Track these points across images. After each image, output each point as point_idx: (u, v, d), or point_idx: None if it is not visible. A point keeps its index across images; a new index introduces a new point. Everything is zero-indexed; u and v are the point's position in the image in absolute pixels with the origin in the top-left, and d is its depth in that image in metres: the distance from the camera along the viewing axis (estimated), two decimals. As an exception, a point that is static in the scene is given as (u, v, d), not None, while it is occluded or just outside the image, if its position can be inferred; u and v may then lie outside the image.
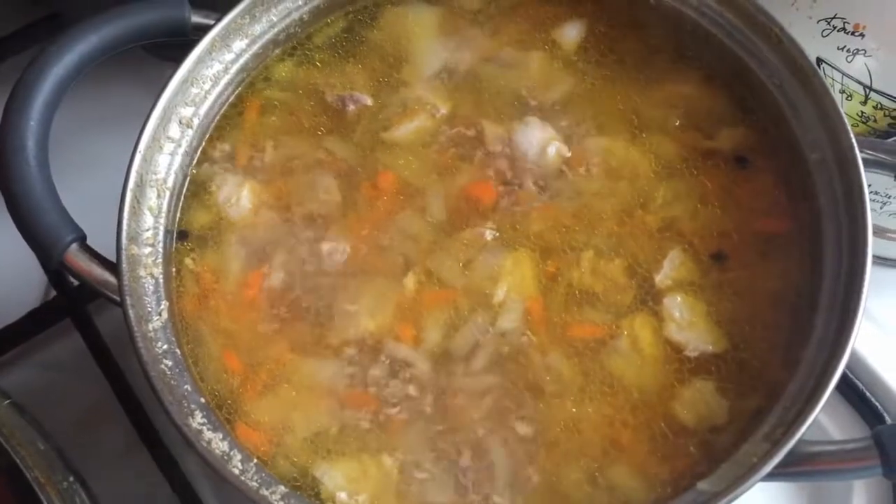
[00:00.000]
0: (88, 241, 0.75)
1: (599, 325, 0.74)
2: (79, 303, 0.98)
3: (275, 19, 0.84)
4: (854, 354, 0.91)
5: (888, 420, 0.88)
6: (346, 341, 0.74)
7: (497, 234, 0.77)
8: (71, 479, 0.69)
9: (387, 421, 0.72)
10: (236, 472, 0.67)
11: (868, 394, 0.90)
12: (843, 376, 0.89)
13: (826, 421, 0.89)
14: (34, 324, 0.97)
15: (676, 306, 0.75)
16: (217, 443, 0.68)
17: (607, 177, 0.79)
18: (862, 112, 0.87)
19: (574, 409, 0.71)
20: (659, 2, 0.83)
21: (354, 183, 0.80)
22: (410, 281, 0.76)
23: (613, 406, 0.71)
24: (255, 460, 0.68)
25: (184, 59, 0.79)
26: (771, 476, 0.64)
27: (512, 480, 0.69)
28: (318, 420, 0.72)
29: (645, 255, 0.76)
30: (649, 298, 0.75)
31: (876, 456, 0.63)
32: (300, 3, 0.85)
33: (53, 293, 1.00)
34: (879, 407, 0.90)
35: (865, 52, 0.83)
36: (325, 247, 0.77)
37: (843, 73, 0.86)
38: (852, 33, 0.84)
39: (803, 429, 0.64)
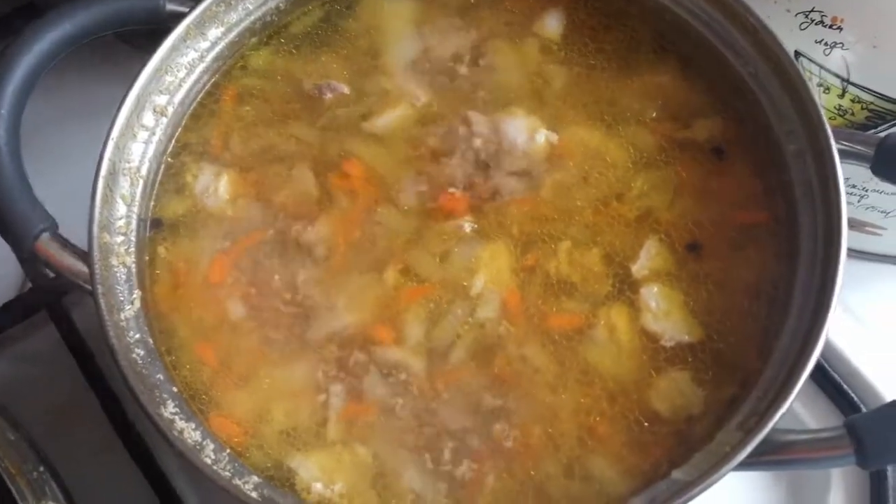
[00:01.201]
0: (62, 231, 0.74)
1: (577, 315, 0.74)
2: (54, 295, 0.97)
3: (251, 7, 0.83)
4: (832, 347, 0.92)
5: (864, 411, 0.89)
6: (323, 335, 0.74)
7: (475, 226, 0.77)
8: (42, 468, 0.68)
9: (362, 413, 0.71)
10: (209, 461, 0.66)
11: (845, 386, 0.91)
12: (822, 369, 0.91)
13: (804, 413, 0.89)
14: (9, 316, 0.97)
15: (653, 296, 0.74)
16: (189, 432, 0.67)
17: (585, 167, 0.79)
18: (839, 105, 0.87)
19: (551, 400, 0.71)
20: (637, -9, 0.83)
21: (332, 173, 0.79)
22: (389, 274, 0.75)
23: (590, 396, 0.71)
24: (228, 450, 0.68)
25: (158, 47, 0.78)
26: (745, 465, 0.64)
27: (489, 470, 0.69)
28: (292, 413, 0.72)
29: (622, 246, 0.76)
30: (626, 288, 0.75)
31: (849, 444, 0.64)
32: (277, -9, 0.84)
33: (29, 285, 0.99)
34: (857, 399, 0.90)
35: (843, 45, 0.83)
36: (303, 239, 0.77)
37: (821, 67, 0.86)
38: (830, 26, 0.84)
39: (776, 418, 0.64)
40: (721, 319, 0.73)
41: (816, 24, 0.84)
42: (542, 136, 0.80)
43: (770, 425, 0.63)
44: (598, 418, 0.70)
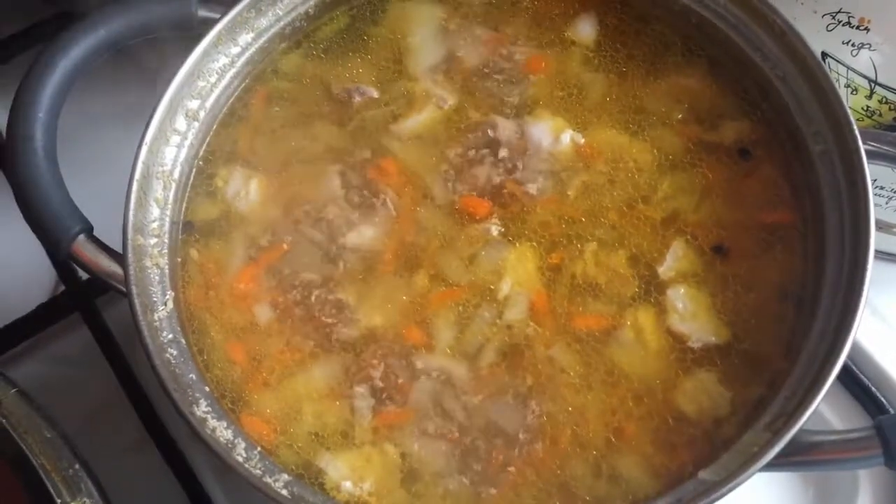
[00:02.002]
0: (96, 233, 0.76)
1: (603, 317, 0.74)
2: (87, 297, 0.98)
3: (280, 13, 0.85)
4: (859, 348, 0.91)
5: (891, 412, 0.88)
6: (352, 338, 0.74)
7: (502, 229, 0.77)
8: (77, 466, 0.69)
9: (390, 413, 0.72)
10: (240, 459, 0.67)
11: (872, 387, 0.90)
12: (848, 370, 0.90)
13: (830, 414, 0.89)
14: (43, 317, 0.98)
15: (679, 297, 0.75)
16: (221, 431, 0.68)
17: (611, 169, 0.80)
18: (867, 106, 0.87)
19: (578, 400, 0.71)
20: (664, -5, 0.84)
21: (361, 175, 0.80)
22: (419, 278, 0.76)
23: (617, 396, 0.71)
24: (259, 449, 0.69)
25: (190, 53, 0.80)
26: (772, 465, 0.64)
27: (518, 468, 0.70)
28: (321, 413, 0.72)
29: (648, 247, 0.77)
30: (652, 290, 0.75)
31: (878, 445, 0.63)
32: (306, -4, 0.86)
33: (62, 287, 1.00)
34: (884, 400, 0.90)
35: (870, 46, 0.83)
36: (332, 241, 0.78)
37: (848, 68, 0.86)
38: (857, 28, 0.84)
39: (804, 419, 0.64)
40: (748, 321, 0.73)
41: (843, 25, 0.84)
42: (568, 137, 0.80)
43: (798, 426, 0.63)
44: (625, 419, 0.71)
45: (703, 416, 0.70)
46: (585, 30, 0.86)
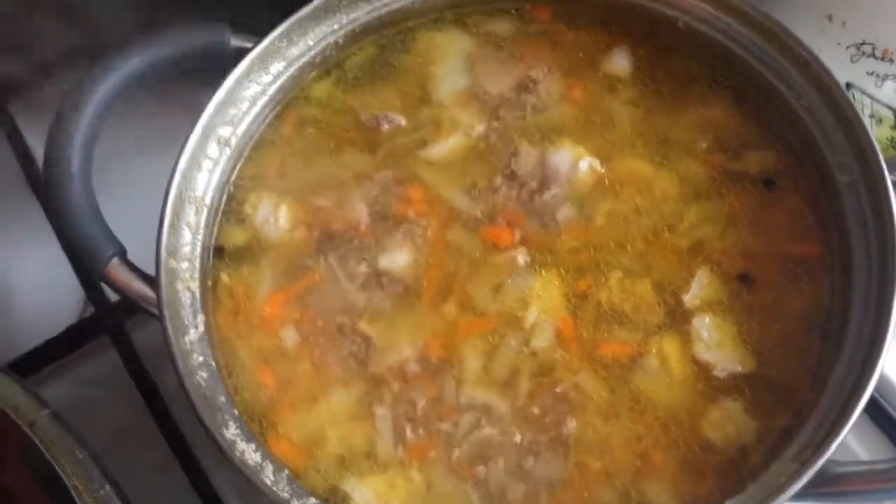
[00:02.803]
0: (129, 256, 0.77)
1: (629, 344, 0.74)
2: (116, 319, 0.99)
3: (311, 43, 0.86)
4: (884, 379, 0.91)
5: (918, 444, 0.88)
6: (381, 366, 0.75)
7: (528, 258, 0.78)
8: (108, 486, 0.70)
9: (416, 442, 0.72)
10: (268, 482, 0.68)
11: (896, 416, 0.90)
12: (873, 400, 0.89)
13: (855, 444, 0.89)
14: (72, 340, 0.99)
15: (705, 326, 0.75)
16: (250, 454, 0.69)
17: (636, 197, 0.80)
18: (892, 137, 0.87)
19: (605, 428, 0.72)
20: (688, 26, 0.85)
21: (390, 202, 0.81)
22: (446, 306, 0.77)
23: (643, 424, 0.72)
24: (287, 472, 0.69)
25: (223, 81, 0.81)
26: (799, 496, 0.64)
27: (544, 498, 0.70)
28: (347, 438, 0.73)
29: (673, 276, 0.77)
30: (678, 318, 0.75)
31: (906, 477, 0.63)
32: (335, 27, 0.87)
33: (91, 310, 1.02)
34: (908, 430, 0.89)
35: (895, 77, 0.83)
36: (362, 269, 0.79)
37: (873, 99, 0.86)
38: (881, 59, 0.84)
39: (832, 449, 0.64)
40: (774, 350, 0.74)
41: (868, 56, 0.85)
42: (586, 164, 0.81)
43: (826, 456, 0.63)
44: (652, 446, 0.71)
45: (730, 444, 0.70)
46: (620, 62, 0.87)
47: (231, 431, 0.70)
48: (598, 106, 0.85)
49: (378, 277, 0.78)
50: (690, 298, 0.76)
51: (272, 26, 0.84)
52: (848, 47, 0.86)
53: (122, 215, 0.81)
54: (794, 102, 0.80)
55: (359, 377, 0.75)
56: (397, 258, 0.79)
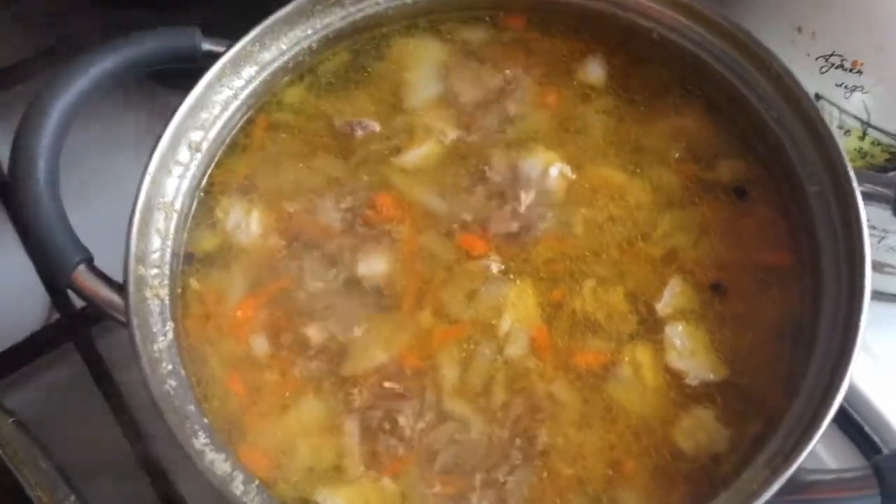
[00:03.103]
0: (96, 263, 0.76)
1: (603, 353, 0.74)
2: (81, 326, 0.98)
3: (284, 47, 0.85)
4: (852, 387, 0.92)
5: (884, 451, 0.89)
6: (354, 373, 0.74)
7: (501, 266, 0.78)
8: (72, 497, 0.69)
9: (391, 452, 0.72)
10: (238, 492, 0.67)
11: (865, 426, 0.91)
12: (841, 408, 0.90)
13: (824, 452, 0.89)
14: (37, 346, 0.98)
15: (677, 335, 0.75)
16: (220, 463, 0.68)
17: (609, 206, 0.80)
18: (860, 148, 0.88)
19: (579, 437, 0.71)
20: (661, 36, 0.85)
21: (363, 208, 0.81)
22: (419, 314, 0.76)
23: (616, 433, 0.72)
24: (257, 482, 0.68)
25: (195, 86, 0.80)
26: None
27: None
28: (319, 448, 0.72)
29: (646, 284, 0.77)
30: (651, 327, 0.76)
31: (874, 485, 0.64)
32: (309, 32, 0.86)
33: (56, 316, 1.00)
34: (876, 438, 0.90)
35: (863, 88, 0.84)
36: (334, 275, 0.78)
37: (841, 110, 0.87)
38: (850, 70, 0.85)
39: (802, 457, 0.64)
40: (745, 358, 0.74)
41: (837, 67, 0.86)
42: (556, 170, 0.81)
43: (796, 464, 0.64)
44: (624, 454, 0.71)
45: (702, 452, 0.71)
46: (594, 71, 0.87)
47: (200, 441, 0.69)
48: (572, 114, 0.85)
49: (350, 284, 0.78)
50: (663, 307, 0.76)
51: (244, 31, 0.83)
52: (817, 58, 0.87)
53: (89, 221, 0.79)
54: (764, 113, 0.81)
55: (331, 386, 0.74)
56: (370, 265, 0.78)
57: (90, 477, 0.83)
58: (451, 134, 0.84)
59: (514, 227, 0.79)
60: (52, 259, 0.74)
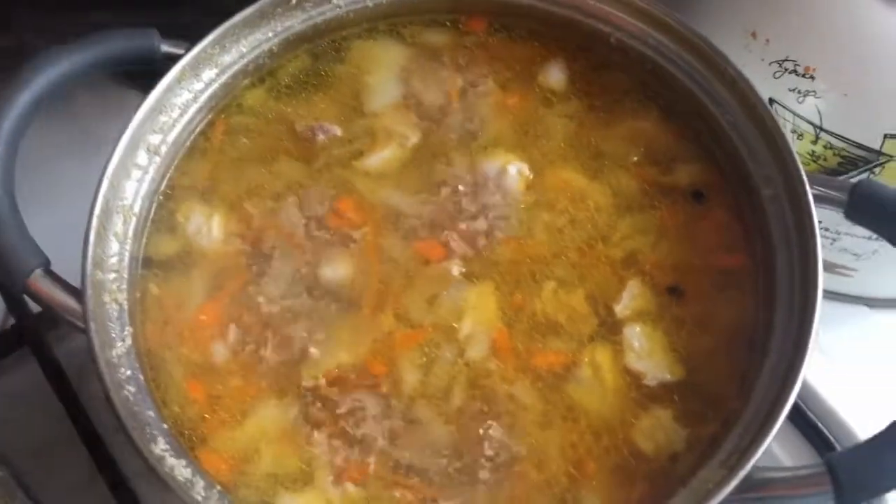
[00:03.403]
0: (53, 267, 0.74)
1: (563, 354, 0.75)
2: (37, 331, 0.96)
3: (244, 50, 0.85)
4: (806, 386, 0.94)
5: (838, 448, 0.91)
6: (314, 378, 0.74)
7: (463, 269, 0.78)
8: (30, 505, 0.68)
9: (354, 457, 0.72)
10: (199, 498, 0.66)
11: (819, 424, 0.92)
12: (796, 406, 0.92)
13: (779, 450, 0.91)
14: (-9, 351, 0.96)
15: (635, 336, 0.76)
16: (180, 469, 0.67)
17: (569, 209, 0.81)
18: (813, 151, 0.90)
19: (541, 437, 0.72)
20: (620, 41, 0.86)
21: (324, 212, 0.81)
22: (380, 317, 0.76)
23: (577, 433, 0.72)
24: (219, 487, 0.68)
25: (153, 88, 0.80)
26: (727, 502, 0.65)
27: (482, 507, 0.70)
28: (280, 453, 0.72)
29: (606, 286, 0.78)
30: (610, 328, 0.76)
31: (828, 482, 0.65)
32: (270, 35, 0.86)
33: (12, 321, 0.98)
34: (830, 436, 0.92)
35: (816, 93, 0.86)
36: (295, 280, 0.78)
37: (795, 114, 0.89)
38: (803, 75, 0.87)
39: (757, 455, 0.65)
40: (702, 359, 0.75)
41: (790, 72, 0.87)
42: (515, 170, 0.82)
43: (751, 462, 0.65)
44: (585, 455, 0.71)
45: (660, 452, 0.72)
46: (555, 75, 0.87)
47: (160, 447, 0.68)
48: (533, 118, 0.85)
49: (312, 289, 0.77)
50: (622, 309, 0.77)
51: (204, 33, 0.82)
52: (771, 63, 0.88)
53: (46, 224, 0.78)
54: (720, 118, 0.82)
55: (292, 391, 0.74)
56: (332, 269, 0.78)
57: (48, 484, 0.82)
58: (413, 137, 0.84)
59: (476, 230, 0.80)
60: (6, 264, 0.73)
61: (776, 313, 0.74)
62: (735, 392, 0.73)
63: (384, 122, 0.85)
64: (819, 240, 0.74)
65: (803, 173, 0.76)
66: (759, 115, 0.80)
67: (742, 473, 0.65)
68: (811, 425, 0.93)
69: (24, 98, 0.76)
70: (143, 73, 0.81)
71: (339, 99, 0.87)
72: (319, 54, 0.89)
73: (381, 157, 0.83)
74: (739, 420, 0.70)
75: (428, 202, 0.81)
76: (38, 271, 0.73)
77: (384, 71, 0.88)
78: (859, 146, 0.87)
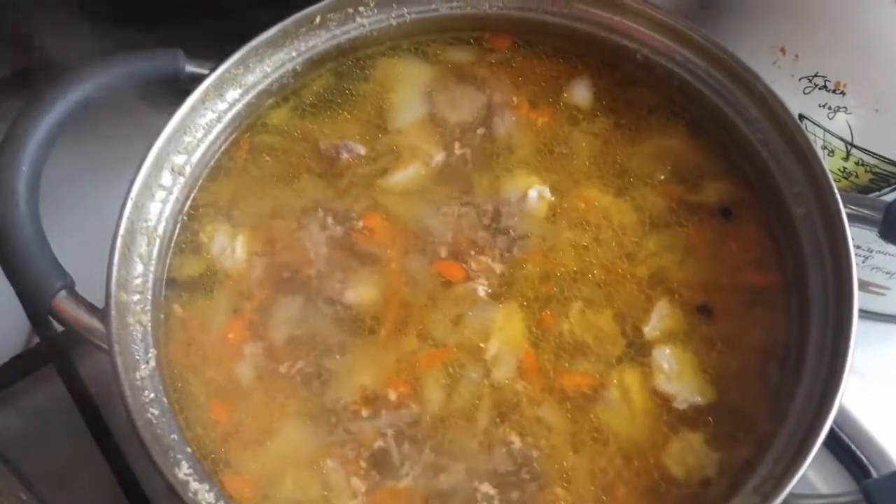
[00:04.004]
0: (77, 288, 0.74)
1: (591, 376, 0.74)
2: (61, 350, 0.96)
3: (268, 70, 0.85)
4: (840, 408, 0.91)
5: (874, 474, 0.89)
6: (339, 400, 0.73)
7: (489, 289, 0.77)
8: (53, 529, 0.67)
9: (379, 480, 0.71)
10: (223, 523, 0.66)
11: (854, 447, 0.90)
12: (831, 431, 0.90)
13: (812, 474, 0.89)
14: (16, 370, 0.96)
15: (665, 358, 0.75)
16: (203, 494, 0.67)
17: (596, 228, 0.80)
18: (844, 168, 0.89)
19: (569, 461, 0.71)
20: (646, 58, 0.85)
21: (349, 232, 0.80)
22: (405, 338, 0.75)
23: (606, 457, 0.71)
24: (242, 513, 0.67)
25: (178, 109, 0.80)
26: (761, 530, 0.64)
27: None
28: (304, 478, 0.71)
29: (633, 306, 0.77)
30: (638, 349, 0.75)
31: (866, 510, 0.64)
32: (293, 54, 0.86)
33: (36, 339, 0.99)
34: (865, 460, 0.90)
35: (846, 109, 0.85)
36: (319, 300, 0.77)
37: (825, 130, 0.87)
38: (833, 91, 0.86)
39: (793, 482, 0.64)
40: (733, 381, 0.74)
41: (820, 88, 0.86)
42: (535, 193, 0.81)
43: (787, 489, 0.64)
44: (615, 479, 0.70)
45: (692, 477, 0.70)
46: (581, 92, 0.86)
47: (184, 471, 0.67)
48: (558, 135, 0.85)
49: (336, 309, 0.77)
50: (650, 330, 0.76)
51: (228, 53, 0.82)
52: (801, 79, 0.87)
53: (70, 245, 0.78)
54: (750, 135, 0.81)
55: (315, 413, 0.73)
56: (355, 289, 0.77)
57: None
58: (437, 156, 0.83)
59: (501, 249, 0.79)
60: (31, 285, 0.73)
61: (809, 333, 0.72)
62: (767, 414, 0.72)
63: (409, 140, 0.84)
64: (854, 259, 0.72)
65: (837, 193, 0.74)
66: (789, 133, 0.78)
67: (777, 501, 0.64)
68: (847, 450, 0.90)
69: (48, 119, 0.76)
70: (165, 94, 0.81)
71: (363, 117, 0.86)
72: (343, 73, 0.89)
73: (406, 175, 0.83)
74: (774, 444, 0.68)
75: (452, 221, 0.80)
76: (63, 292, 0.73)
77: (408, 89, 0.87)
78: (892, 162, 0.85)
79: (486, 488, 0.70)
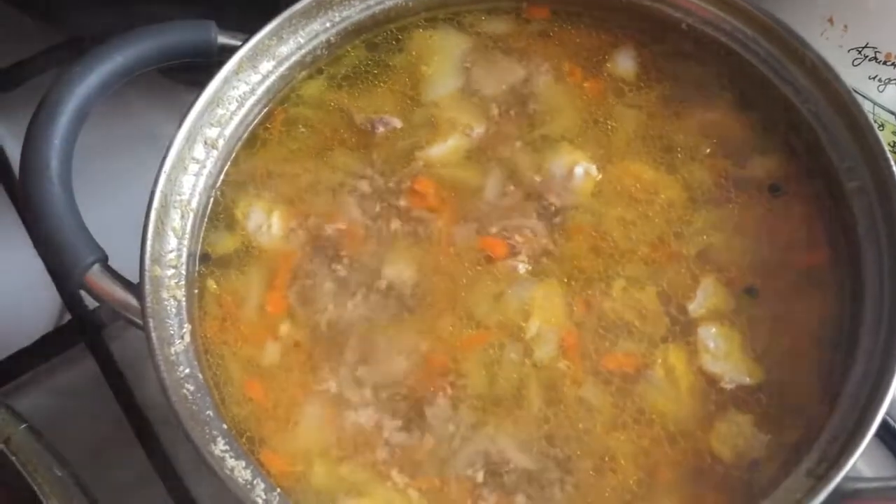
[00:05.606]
0: (111, 263, 0.73)
1: (634, 355, 0.72)
2: (94, 327, 0.96)
3: (302, 41, 0.83)
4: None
5: (924, 458, 0.86)
6: (377, 379, 0.72)
7: (528, 267, 0.75)
8: (88, 506, 0.67)
9: (416, 460, 0.69)
10: (259, 501, 0.64)
11: (902, 431, 0.88)
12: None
13: (859, 461, 0.87)
14: (48, 348, 0.95)
15: (711, 337, 0.73)
16: (240, 471, 0.65)
17: (640, 204, 0.78)
18: (894, 142, 0.86)
19: (611, 441, 0.69)
20: (692, 27, 0.82)
21: (386, 207, 0.79)
22: (444, 317, 0.74)
23: (650, 438, 0.69)
24: (279, 490, 0.66)
25: (210, 81, 0.78)
26: (813, 514, 0.62)
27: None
28: (342, 456, 0.70)
29: (678, 284, 0.75)
30: (683, 328, 0.73)
31: (923, 494, 0.61)
32: (327, 25, 0.84)
33: (68, 317, 0.98)
34: (913, 444, 0.88)
35: (897, 81, 0.83)
36: (356, 276, 0.76)
37: (875, 103, 0.85)
38: (884, 63, 0.84)
39: (850, 464, 0.62)
40: (783, 361, 0.71)
41: (870, 60, 0.84)
42: (581, 170, 0.79)
43: (844, 471, 0.62)
44: (660, 461, 0.68)
45: (740, 459, 0.68)
46: (624, 63, 0.84)
47: (220, 447, 0.66)
48: (601, 108, 0.82)
49: (373, 285, 0.75)
50: (696, 308, 0.74)
51: (261, 24, 0.81)
52: (850, 51, 0.85)
53: (103, 219, 0.77)
54: (800, 106, 0.78)
55: (352, 392, 0.72)
56: (394, 265, 0.76)
57: (103, 482, 0.81)
58: (478, 128, 0.81)
59: (542, 226, 0.77)
60: (64, 259, 0.72)
61: (863, 312, 0.70)
62: (819, 396, 0.70)
63: (446, 113, 0.82)
64: (912, 236, 0.70)
65: (892, 163, 0.72)
66: (843, 104, 0.75)
67: (833, 484, 0.62)
68: (890, 431, 0.88)
69: (80, 92, 0.75)
70: (196, 68, 0.80)
71: (398, 89, 0.84)
72: (378, 44, 0.87)
73: (446, 147, 0.81)
74: (827, 426, 0.66)
75: (493, 196, 0.79)
76: (96, 266, 0.72)
77: (444, 60, 0.85)
78: (945, 136, 0.83)
79: (531, 472, 0.68)
